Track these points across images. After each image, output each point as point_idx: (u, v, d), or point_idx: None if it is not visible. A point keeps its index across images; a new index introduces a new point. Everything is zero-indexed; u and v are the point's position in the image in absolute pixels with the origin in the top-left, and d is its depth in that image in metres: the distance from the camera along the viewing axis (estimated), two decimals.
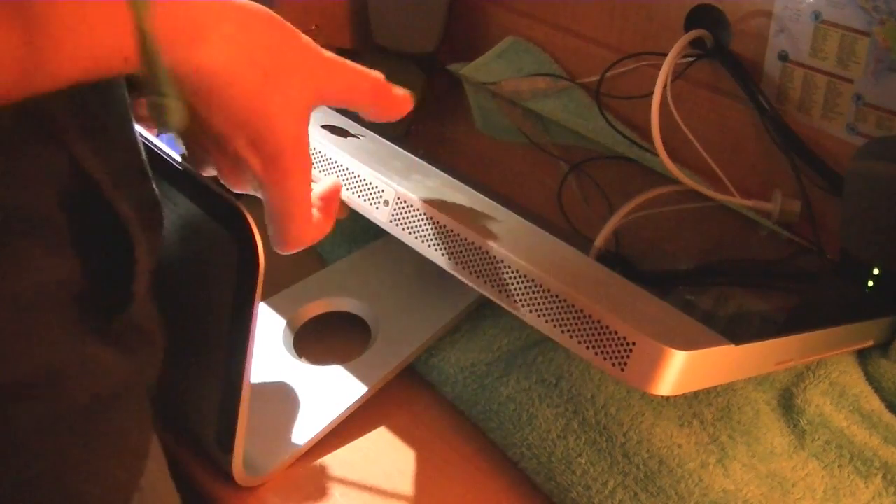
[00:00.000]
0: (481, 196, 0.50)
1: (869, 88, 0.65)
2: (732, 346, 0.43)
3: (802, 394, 0.54)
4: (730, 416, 0.53)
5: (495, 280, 0.43)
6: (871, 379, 0.56)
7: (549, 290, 0.41)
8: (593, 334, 0.40)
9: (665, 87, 0.70)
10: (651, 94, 0.70)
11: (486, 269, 0.44)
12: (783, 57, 0.69)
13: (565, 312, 0.41)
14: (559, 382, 0.54)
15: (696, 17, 0.73)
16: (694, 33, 0.72)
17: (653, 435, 0.51)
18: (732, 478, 0.49)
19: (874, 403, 0.55)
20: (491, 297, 0.44)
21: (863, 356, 0.58)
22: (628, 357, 0.39)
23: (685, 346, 0.39)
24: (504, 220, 0.48)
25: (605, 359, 0.40)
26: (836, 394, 0.54)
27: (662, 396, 0.53)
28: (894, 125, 0.65)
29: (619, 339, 0.39)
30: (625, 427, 0.51)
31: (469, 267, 0.44)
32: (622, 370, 0.39)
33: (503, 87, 0.83)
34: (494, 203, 0.50)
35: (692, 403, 0.53)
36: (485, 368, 0.56)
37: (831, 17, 0.65)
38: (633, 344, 0.39)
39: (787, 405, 0.54)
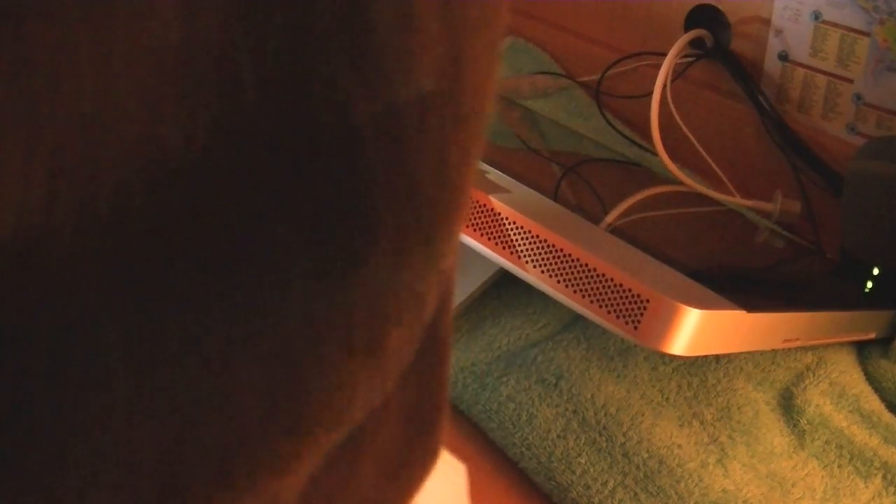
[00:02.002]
0: (487, 165, 0.50)
1: (869, 88, 0.65)
2: (745, 313, 0.43)
3: (802, 394, 0.54)
4: (730, 416, 0.53)
5: (504, 241, 0.43)
6: (871, 379, 0.56)
7: (560, 250, 0.41)
8: (606, 293, 0.40)
9: (665, 86, 0.70)
10: (651, 93, 0.70)
11: (494, 231, 0.43)
12: (783, 57, 0.69)
13: (576, 272, 0.41)
14: (559, 382, 0.54)
15: (696, 17, 0.73)
16: (694, 33, 0.72)
17: (653, 435, 0.51)
18: (732, 478, 0.49)
19: (874, 403, 0.55)
20: (500, 258, 0.43)
21: (863, 356, 0.58)
22: (642, 315, 0.39)
23: (700, 305, 0.39)
24: (513, 189, 0.48)
25: (617, 317, 0.39)
26: (836, 394, 0.54)
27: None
28: (894, 125, 0.65)
29: (632, 296, 0.39)
30: (625, 427, 0.51)
31: (477, 228, 0.44)
32: (635, 328, 0.39)
33: (503, 87, 0.83)
34: (501, 173, 0.50)
35: (692, 403, 0.53)
36: (485, 368, 0.56)
37: (831, 17, 0.65)
38: (648, 301, 0.39)
39: (787, 405, 0.54)
